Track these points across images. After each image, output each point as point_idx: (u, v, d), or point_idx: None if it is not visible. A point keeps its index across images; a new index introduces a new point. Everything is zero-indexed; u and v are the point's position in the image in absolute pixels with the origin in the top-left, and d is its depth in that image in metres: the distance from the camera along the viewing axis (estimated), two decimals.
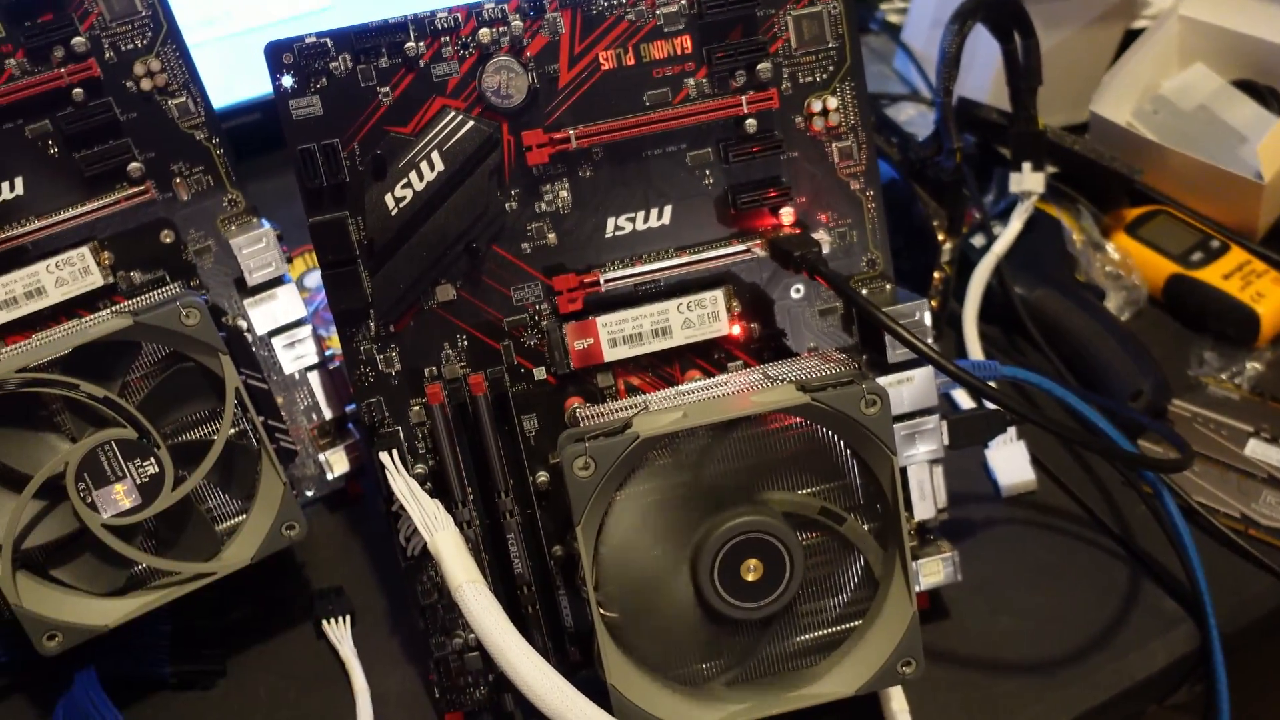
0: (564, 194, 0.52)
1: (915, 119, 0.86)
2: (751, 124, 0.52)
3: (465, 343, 0.53)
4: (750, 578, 0.46)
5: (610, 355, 0.53)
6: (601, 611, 0.46)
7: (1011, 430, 0.65)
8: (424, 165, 0.50)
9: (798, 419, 0.47)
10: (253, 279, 0.60)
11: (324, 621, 0.61)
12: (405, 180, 0.51)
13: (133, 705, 0.59)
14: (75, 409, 0.53)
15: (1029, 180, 0.72)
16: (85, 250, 0.58)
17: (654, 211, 0.53)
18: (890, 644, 0.47)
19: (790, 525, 0.47)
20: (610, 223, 0.53)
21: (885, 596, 0.48)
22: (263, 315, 0.62)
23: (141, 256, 0.59)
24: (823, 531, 0.48)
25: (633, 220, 0.53)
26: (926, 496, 0.56)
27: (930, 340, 0.52)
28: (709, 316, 0.54)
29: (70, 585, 0.54)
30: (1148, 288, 0.75)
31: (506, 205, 0.52)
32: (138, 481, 0.53)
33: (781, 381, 0.48)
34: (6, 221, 0.57)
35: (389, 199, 0.51)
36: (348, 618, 0.61)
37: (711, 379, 0.52)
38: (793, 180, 0.54)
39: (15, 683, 0.60)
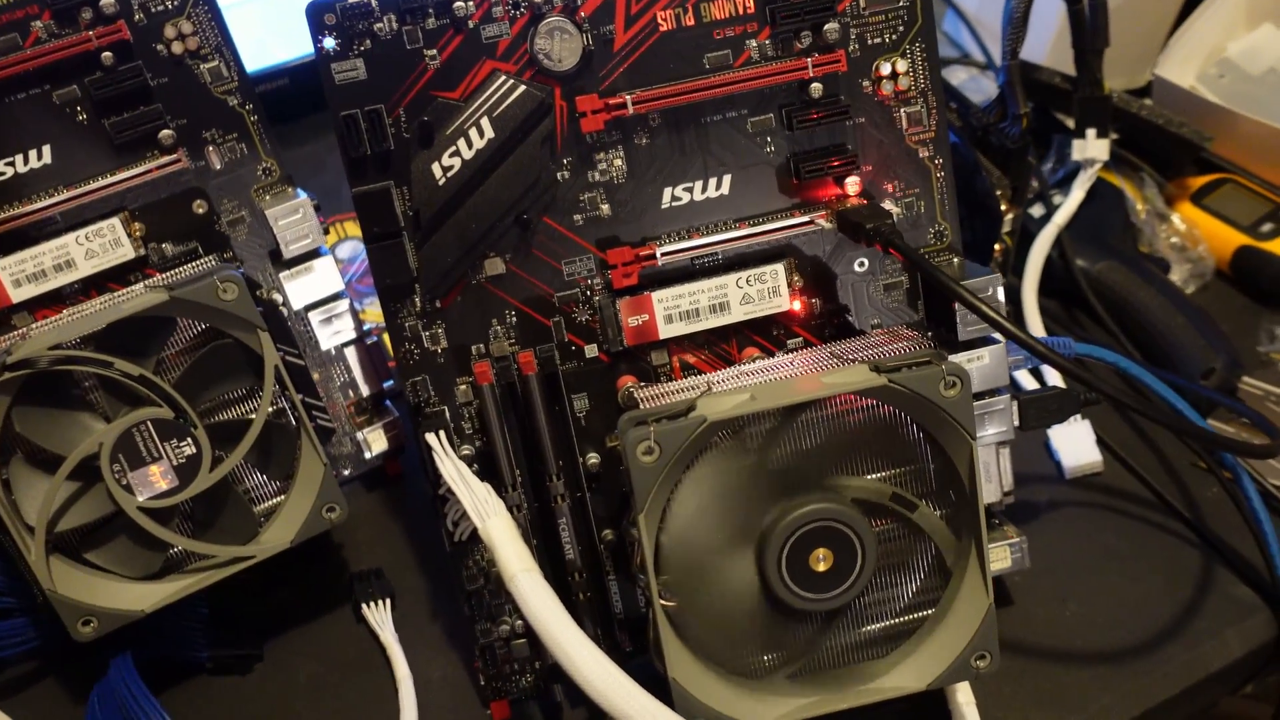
0: (619, 163, 0.50)
1: (966, 84, 0.83)
2: (816, 88, 0.50)
3: (514, 319, 0.51)
4: (820, 568, 0.44)
5: (666, 332, 0.51)
6: (662, 601, 0.44)
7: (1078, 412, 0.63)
8: (473, 132, 0.48)
9: (868, 400, 0.44)
10: (289, 251, 0.58)
11: (364, 605, 0.59)
12: (453, 148, 0.48)
13: (169, 690, 0.57)
14: (109, 387, 0.51)
15: (1093, 147, 0.69)
16: (116, 221, 0.56)
17: (712, 181, 0.51)
18: (964, 637, 0.45)
19: (861, 512, 0.44)
20: (667, 193, 0.50)
21: (959, 586, 0.46)
22: (299, 289, 0.59)
23: (174, 228, 0.57)
24: (892, 518, 0.46)
25: (690, 190, 0.51)
26: (993, 479, 0.53)
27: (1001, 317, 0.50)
28: (769, 291, 0.51)
29: (105, 569, 0.53)
30: (1215, 260, 0.72)
31: (559, 175, 0.49)
32: (174, 462, 0.51)
33: (852, 361, 0.45)
34: (35, 191, 0.55)
35: (436, 168, 0.48)
36: (388, 601, 0.59)
37: (774, 358, 0.49)
38: (859, 148, 0.51)
39: (50, 668, 0.58)
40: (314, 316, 0.60)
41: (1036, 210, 0.71)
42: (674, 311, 0.51)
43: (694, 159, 0.50)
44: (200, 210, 0.57)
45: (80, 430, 0.51)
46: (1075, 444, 0.62)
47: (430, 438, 0.49)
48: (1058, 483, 0.62)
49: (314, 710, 0.56)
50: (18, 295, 0.55)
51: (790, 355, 0.49)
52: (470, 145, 0.48)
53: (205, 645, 0.58)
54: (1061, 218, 0.69)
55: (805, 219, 0.51)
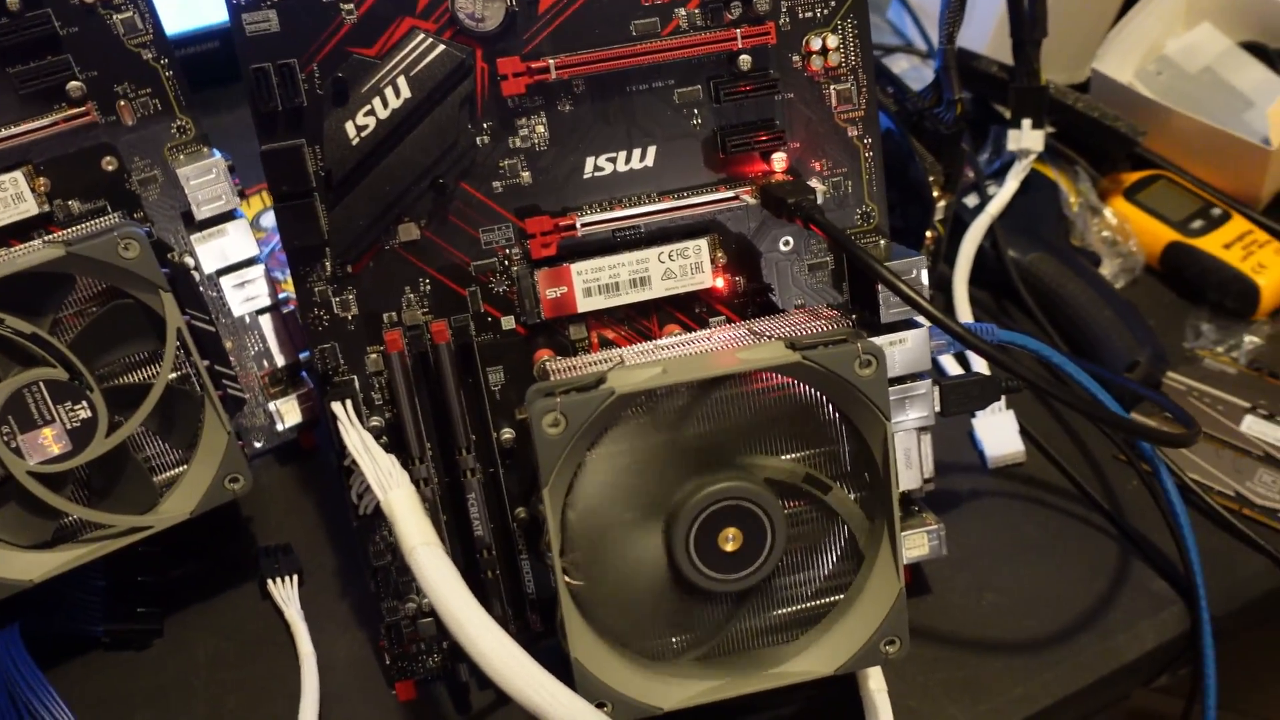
0: (540, 129, 0.48)
1: (908, 72, 0.82)
2: (745, 60, 0.49)
3: (428, 287, 0.49)
4: (728, 548, 0.43)
5: (584, 305, 0.49)
6: (567, 579, 0.43)
7: (1000, 399, 0.62)
8: (389, 91, 0.46)
9: (784, 379, 0.43)
10: (201, 212, 0.56)
11: (269, 581, 0.57)
12: (368, 107, 0.46)
13: (63, 665, 0.55)
14: (1, 346, 0.49)
15: (1028, 138, 0.68)
16: (19, 175, 0.53)
17: (637, 152, 0.49)
18: (874, 621, 0.44)
19: (773, 492, 0.43)
20: (589, 162, 0.49)
21: (870, 571, 0.45)
22: (211, 252, 0.57)
23: (81, 184, 0.55)
24: (806, 500, 0.45)
25: (614, 161, 0.49)
26: (913, 465, 0.53)
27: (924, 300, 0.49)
28: (691, 267, 0.50)
29: None
30: (1145, 255, 0.72)
31: (478, 139, 0.48)
32: (68, 426, 0.49)
33: (769, 338, 0.44)
34: None
35: (350, 127, 0.47)
36: (295, 577, 0.58)
37: (692, 334, 0.48)
38: (787, 124, 0.50)
39: None
40: (226, 281, 0.58)
41: (971, 200, 0.71)
42: (593, 284, 0.49)
43: (619, 128, 0.49)
44: (110, 167, 0.55)
45: None
46: (998, 434, 0.62)
47: (335, 407, 0.47)
48: (980, 472, 0.62)
49: (212, 687, 0.54)
50: None
51: (708, 331, 0.48)
52: (386, 105, 0.46)
53: (101, 619, 0.56)
54: (994, 208, 0.68)
55: (730, 194, 0.50)
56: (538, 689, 0.40)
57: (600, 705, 0.43)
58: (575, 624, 0.43)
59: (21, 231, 0.54)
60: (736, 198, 0.50)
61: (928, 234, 0.64)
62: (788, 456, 0.44)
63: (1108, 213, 0.72)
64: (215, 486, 0.52)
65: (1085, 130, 0.72)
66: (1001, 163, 0.72)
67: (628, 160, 0.49)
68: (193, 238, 0.57)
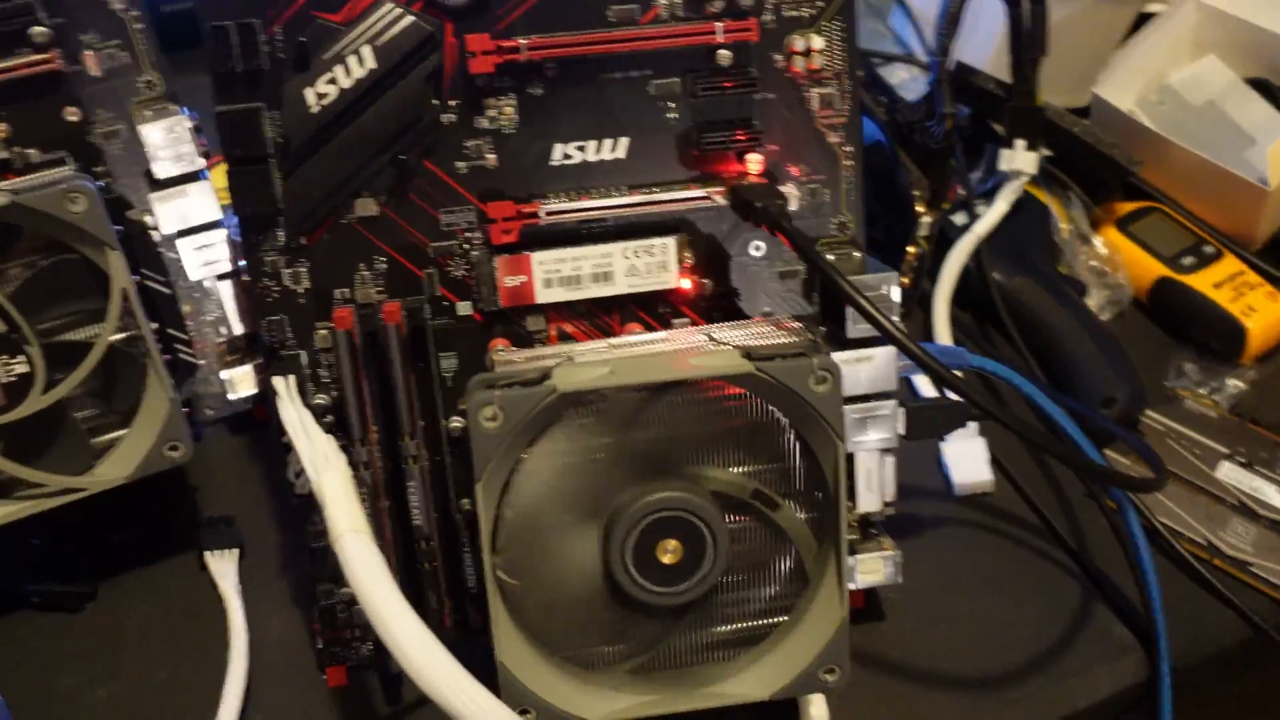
0: (509, 111, 0.47)
1: (906, 83, 0.80)
2: (725, 56, 0.47)
3: (384, 266, 0.48)
4: (667, 559, 0.41)
5: (543, 296, 0.48)
6: (501, 576, 0.42)
7: (972, 425, 0.61)
8: (352, 60, 0.45)
9: (738, 389, 0.42)
10: (160, 171, 0.54)
11: (208, 553, 0.56)
12: (330, 75, 0.45)
13: None
14: None
15: (1021, 159, 0.67)
16: None
17: (608, 143, 0.48)
18: (814, 647, 0.43)
19: (718, 506, 0.42)
20: (558, 150, 0.48)
21: (815, 595, 0.43)
22: (170, 213, 0.55)
23: (41, 133, 0.53)
24: (753, 516, 0.43)
25: (583, 149, 0.48)
26: (874, 488, 0.51)
27: (896, 318, 0.47)
28: (657, 266, 0.48)
29: None
30: (1133, 288, 0.70)
31: (443, 117, 0.46)
32: (3, 380, 0.48)
33: (727, 346, 0.43)
34: None
35: (310, 94, 0.45)
36: (235, 552, 0.56)
37: (650, 334, 0.47)
38: (765, 124, 0.48)
39: None
40: (185, 244, 0.56)
41: (959, 218, 0.69)
42: (554, 276, 0.48)
43: (590, 117, 0.47)
44: (72, 118, 0.54)
45: None
46: (967, 461, 0.60)
47: (277, 381, 0.46)
48: (946, 499, 0.60)
49: (139, 656, 0.53)
50: None
51: (666, 333, 0.46)
52: (349, 73, 0.45)
53: (33, 578, 0.54)
54: (982, 228, 0.66)
55: (702, 193, 0.48)
56: (456, 691, 0.39)
57: (524, 713, 0.41)
58: (504, 626, 0.41)
59: None
60: (708, 197, 0.48)
61: (909, 249, 0.62)
62: (737, 469, 0.43)
63: (1098, 242, 0.70)
64: (154, 453, 0.51)
65: (1081, 155, 0.70)
66: (994, 182, 0.70)
67: (598, 150, 0.48)
68: (152, 196, 0.55)
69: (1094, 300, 0.69)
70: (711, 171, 0.49)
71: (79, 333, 0.50)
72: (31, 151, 0.53)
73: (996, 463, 0.61)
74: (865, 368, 0.48)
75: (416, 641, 0.39)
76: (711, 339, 0.44)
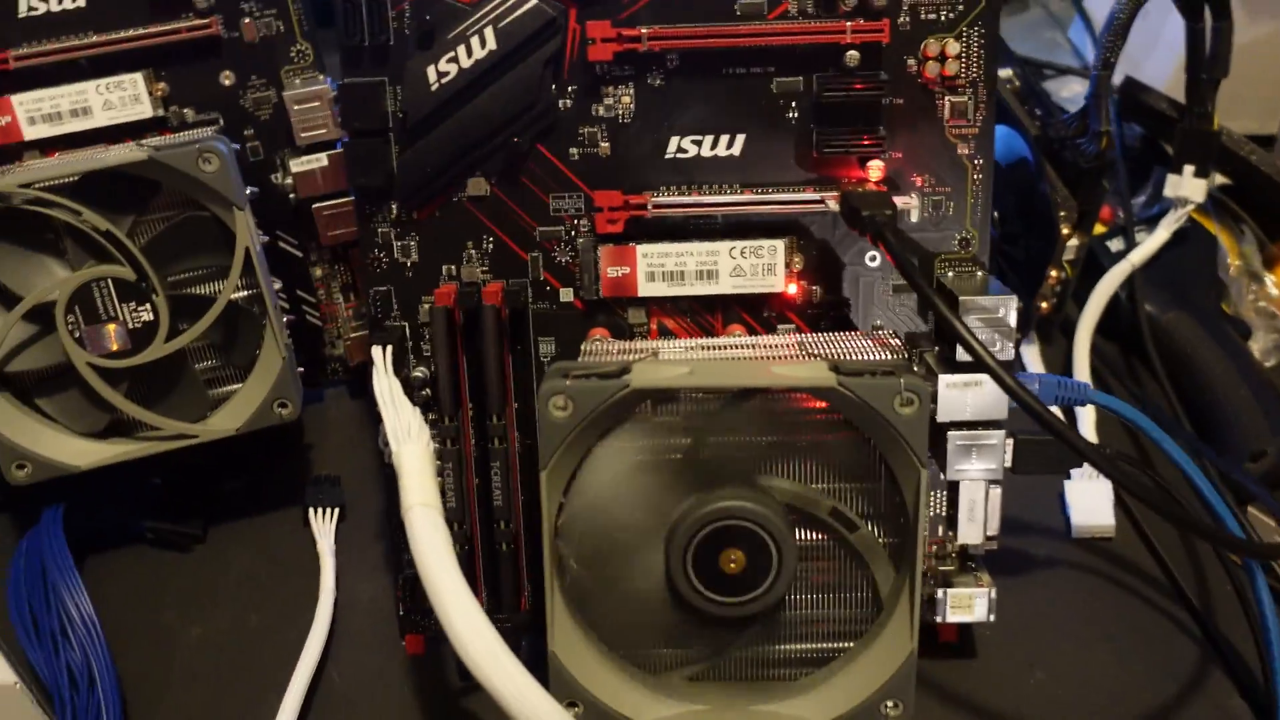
0: (627, 100, 0.46)
1: (1077, 98, 0.76)
2: (854, 56, 0.45)
3: (491, 246, 0.48)
4: (730, 569, 0.40)
5: (645, 290, 0.47)
6: (567, 562, 0.41)
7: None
8: (474, 40, 0.45)
9: (822, 403, 0.40)
10: (301, 138, 0.56)
11: (310, 510, 0.57)
12: (452, 54, 0.45)
13: (107, 553, 0.57)
14: (79, 239, 0.50)
15: (1188, 186, 0.62)
16: (139, 77, 0.55)
17: (725, 139, 0.47)
18: (880, 678, 0.41)
19: (788, 520, 0.40)
20: (673, 142, 0.47)
21: (886, 624, 0.41)
22: (307, 179, 0.58)
23: (197, 94, 0.56)
24: (830, 535, 0.42)
25: (699, 144, 0.47)
26: (976, 520, 0.49)
27: (1009, 344, 0.45)
28: (764, 268, 0.47)
29: (52, 418, 0.52)
30: None
31: (560, 102, 0.46)
32: (130, 326, 0.50)
33: (815, 357, 0.41)
34: (64, 33, 0.54)
35: (431, 71, 0.46)
36: (336, 511, 0.58)
37: (741, 338, 0.45)
38: (891, 131, 0.46)
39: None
40: (322, 210, 0.58)
41: (1115, 244, 0.65)
42: (657, 270, 0.47)
43: (709, 111, 0.46)
44: (227, 82, 0.56)
45: (45, 274, 0.50)
46: (1090, 502, 0.57)
47: (375, 351, 0.46)
48: (1063, 540, 0.57)
49: (235, 600, 0.55)
50: (31, 133, 0.54)
51: (760, 338, 0.45)
52: (470, 54, 0.45)
53: (150, 516, 0.57)
54: (1138, 256, 0.62)
55: (817, 197, 0.47)
56: (502, 675, 0.39)
57: (570, 705, 0.41)
58: (560, 615, 0.41)
59: (136, 131, 0.56)
60: (823, 202, 0.46)
61: (1052, 273, 0.59)
62: (817, 485, 0.41)
63: (1270, 281, 0.65)
64: (264, 408, 0.52)
65: (1259, 188, 0.65)
66: (1160, 209, 0.66)
67: (714, 145, 0.47)
68: (292, 162, 0.57)
69: (1258, 344, 0.64)
70: (829, 175, 0.47)
71: (205, 288, 0.52)
72: (187, 111, 0.56)
73: (1123, 506, 0.57)
74: (973, 394, 0.45)
75: (468, 621, 0.39)
76: (802, 347, 0.42)
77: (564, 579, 0.41)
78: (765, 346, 0.43)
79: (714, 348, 0.43)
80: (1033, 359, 0.64)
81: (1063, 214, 0.56)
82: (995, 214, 0.62)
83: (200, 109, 0.56)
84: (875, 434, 0.39)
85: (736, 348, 0.43)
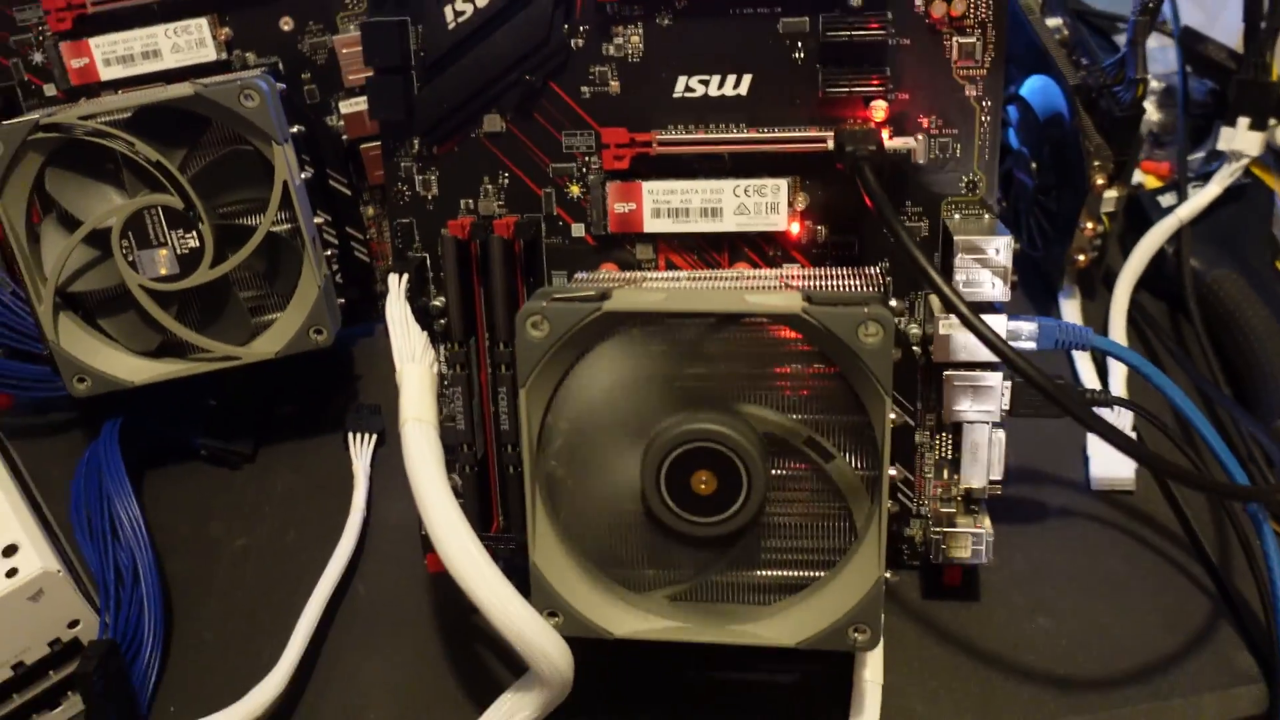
0: (636, 40, 0.48)
1: (1154, 51, 0.74)
2: None
3: (506, 181, 0.50)
4: (700, 490, 0.41)
5: (651, 226, 0.49)
6: (554, 472, 0.43)
7: (1126, 416, 0.57)
8: None
9: (799, 333, 0.41)
10: (349, 80, 0.59)
11: (350, 435, 0.61)
12: None
13: (165, 466, 0.62)
14: (135, 170, 0.54)
15: (1242, 139, 0.60)
16: (204, 21, 0.58)
17: (731, 79, 0.48)
18: (847, 603, 0.42)
19: (764, 447, 0.41)
20: (681, 82, 0.48)
21: (856, 552, 0.42)
22: (356, 120, 0.60)
23: (258, 39, 0.59)
24: (807, 465, 0.43)
25: (706, 83, 0.48)
26: (979, 462, 0.49)
27: (1004, 284, 0.45)
28: (767, 207, 0.48)
29: (111, 337, 0.56)
30: None
31: (572, 41, 0.48)
32: (178, 252, 0.54)
33: (796, 288, 0.42)
34: None
35: (448, 11, 0.47)
36: (374, 437, 0.61)
37: (728, 270, 0.46)
38: (897, 71, 0.47)
39: (76, 422, 0.64)
40: (369, 150, 0.61)
41: (1167, 199, 0.63)
42: (663, 206, 0.48)
43: (716, 51, 0.47)
44: (286, 27, 0.59)
45: (103, 201, 0.54)
46: (1110, 454, 0.56)
47: (391, 277, 0.49)
48: (1081, 491, 0.56)
49: (278, 516, 0.59)
50: (106, 74, 0.59)
51: (746, 270, 0.46)
52: None
53: (204, 433, 0.61)
54: (1186, 211, 0.61)
55: (821, 137, 0.47)
56: (484, 584, 0.41)
57: (550, 615, 0.43)
58: (542, 529, 0.43)
59: (201, 74, 0.59)
60: (825, 141, 0.47)
61: (1088, 225, 0.58)
62: (797, 416, 0.42)
63: None
64: (301, 334, 0.56)
65: None
66: (1220, 165, 0.64)
67: (721, 85, 0.48)
68: (341, 104, 0.60)
69: None
70: (834, 115, 0.47)
71: (249, 220, 0.55)
72: (249, 55, 0.60)
73: None
74: (972, 335, 0.46)
75: (453, 532, 0.41)
76: (786, 279, 0.43)
77: (548, 494, 0.43)
78: (749, 279, 0.44)
79: (700, 279, 0.45)
80: (1072, 311, 0.63)
81: (1097, 164, 0.55)
82: (1033, 165, 0.62)
83: (261, 53, 0.60)
84: (843, 364, 0.40)
85: (721, 279, 0.44)
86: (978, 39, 0.46)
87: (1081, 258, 0.60)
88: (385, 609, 0.54)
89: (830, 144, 0.47)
